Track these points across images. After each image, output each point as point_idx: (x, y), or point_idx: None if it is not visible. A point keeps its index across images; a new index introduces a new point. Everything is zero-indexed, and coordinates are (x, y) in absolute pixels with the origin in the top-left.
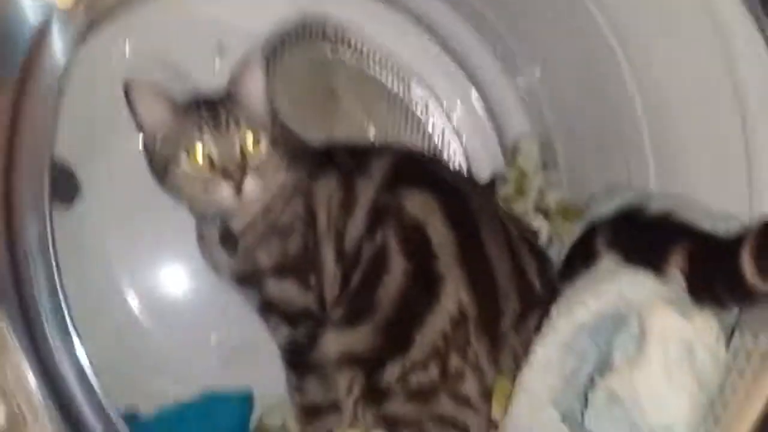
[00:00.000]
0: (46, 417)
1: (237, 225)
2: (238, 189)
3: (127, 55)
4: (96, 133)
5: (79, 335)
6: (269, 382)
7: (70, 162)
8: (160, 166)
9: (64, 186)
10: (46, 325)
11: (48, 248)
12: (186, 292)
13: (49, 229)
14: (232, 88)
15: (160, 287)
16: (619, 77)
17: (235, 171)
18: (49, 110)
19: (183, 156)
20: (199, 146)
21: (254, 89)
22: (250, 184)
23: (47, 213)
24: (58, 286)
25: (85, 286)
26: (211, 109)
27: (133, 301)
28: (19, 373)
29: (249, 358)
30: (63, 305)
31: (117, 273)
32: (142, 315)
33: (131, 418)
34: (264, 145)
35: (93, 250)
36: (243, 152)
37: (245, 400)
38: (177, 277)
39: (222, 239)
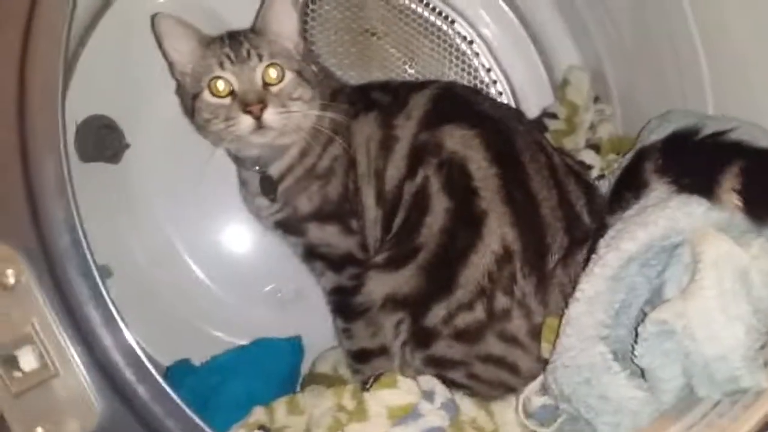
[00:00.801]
0: (76, 363)
1: (275, 170)
2: (258, 120)
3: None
4: (139, 89)
5: (103, 280)
6: (321, 330)
7: (116, 120)
8: (189, 104)
9: (111, 142)
10: (68, 268)
11: (65, 190)
12: (237, 243)
13: (66, 171)
14: (259, 22)
15: (211, 239)
16: (676, 6)
17: (254, 102)
18: (57, 47)
19: (206, 91)
20: (220, 78)
21: (283, 21)
22: (271, 115)
23: (63, 154)
24: (79, 229)
25: (136, 240)
26: (235, 42)
27: (187, 254)
28: (44, 320)
29: (301, 307)
30: (85, 248)
31: (168, 227)
32: (196, 266)
33: (183, 364)
34: (290, 78)
35: (143, 206)
36: (267, 84)
37: (295, 346)
38: (227, 228)
39: (261, 184)
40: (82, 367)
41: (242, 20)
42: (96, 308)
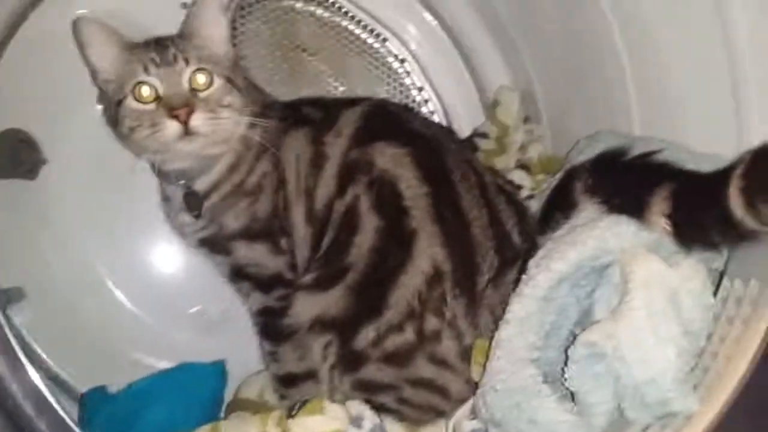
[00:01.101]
0: None
1: (201, 185)
2: (185, 125)
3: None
4: (56, 102)
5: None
6: (247, 353)
7: (33, 134)
8: (112, 111)
9: (27, 157)
10: None
11: None
12: (161, 263)
13: None
14: (187, 27)
15: (133, 259)
16: (602, 21)
17: (180, 106)
18: None
19: (130, 97)
20: (144, 84)
21: (211, 27)
22: (198, 120)
23: None
24: None
25: (54, 260)
26: (160, 46)
27: (107, 274)
28: None
29: (227, 329)
30: None
31: (88, 246)
32: (116, 287)
33: (99, 391)
34: (219, 84)
35: (61, 224)
36: (193, 89)
37: (218, 370)
38: (150, 247)
39: (185, 200)
40: None
41: (161, 29)
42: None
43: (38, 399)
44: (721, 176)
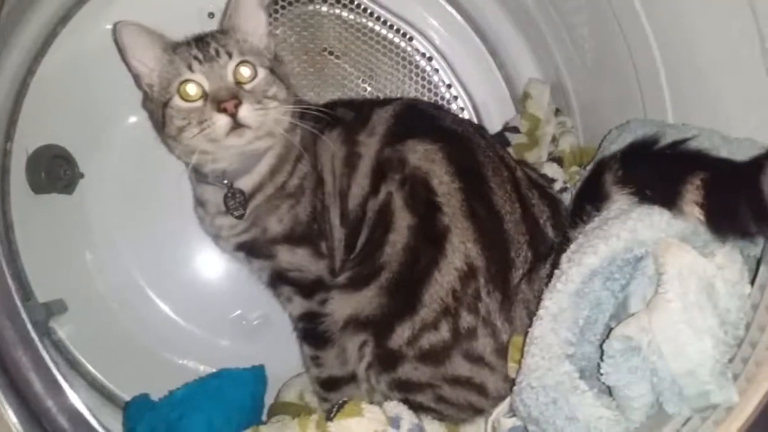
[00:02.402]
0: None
1: (244, 185)
2: (234, 118)
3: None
4: (92, 117)
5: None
6: (287, 357)
7: (68, 149)
8: (159, 114)
9: (64, 173)
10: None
11: None
12: (199, 271)
13: None
14: (226, 23)
15: (172, 268)
16: (629, 8)
17: (227, 99)
18: None
19: (176, 96)
20: (190, 82)
21: (251, 22)
22: (247, 111)
23: None
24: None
25: (94, 271)
26: (201, 43)
27: (147, 284)
28: None
29: (267, 333)
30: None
31: (127, 257)
32: (157, 296)
33: (142, 399)
34: (263, 75)
35: (100, 236)
36: (238, 83)
37: (257, 375)
38: (188, 256)
39: (226, 201)
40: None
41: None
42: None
43: (77, 419)
44: (755, 164)
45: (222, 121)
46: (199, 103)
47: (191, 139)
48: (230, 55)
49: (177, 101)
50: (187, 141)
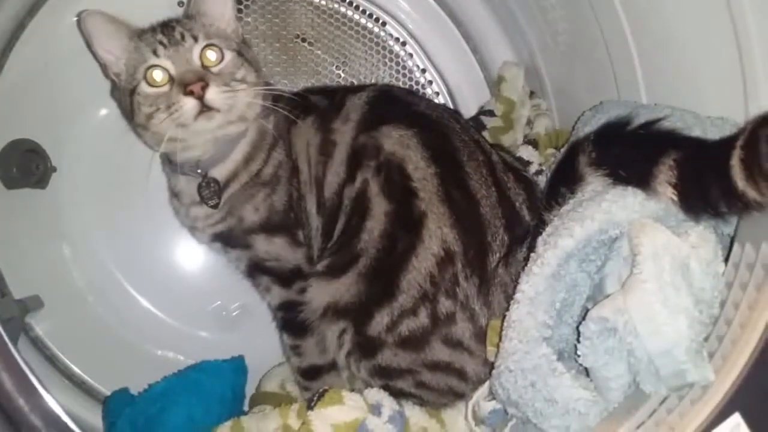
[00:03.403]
0: None
1: (219, 173)
2: (201, 101)
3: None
4: (61, 110)
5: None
6: (268, 346)
7: (40, 143)
8: (127, 102)
9: (36, 167)
10: None
11: None
12: (177, 262)
13: None
14: (192, 8)
15: (149, 260)
16: None
17: (194, 81)
18: None
19: (143, 83)
20: (156, 67)
21: (218, 4)
22: (213, 93)
23: None
24: None
25: (70, 266)
26: (167, 28)
27: (124, 277)
28: None
29: (247, 324)
30: None
31: (103, 251)
32: (135, 290)
33: (121, 394)
34: (230, 57)
35: (75, 230)
36: (205, 66)
37: (237, 366)
38: (165, 248)
39: (200, 191)
40: None
41: None
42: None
43: (49, 418)
44: (725, 146)
45: (189, 104)
46: (166, 88)
47: (160, 125)
48: (195, 39)
49: (144, 87)
50: (155, 127)
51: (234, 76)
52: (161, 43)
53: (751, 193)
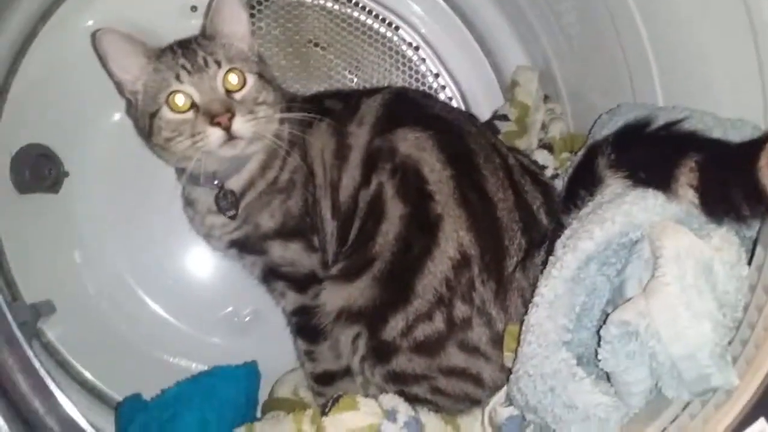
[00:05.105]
0: None
1: (235, 184)
2: (228, 131)
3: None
4: (74, 115)
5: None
6: (281, 352)
7: (52, 148)
8: (146, 124)
9: (49, 172)
10: None
11: None
12: (189, 268)
13: None
14: (209, 26)
15: (161, 265)
16: None
17: (221, 113)
18: None
19: (165, 107)
20: (178, 92)
21: (233, 23)
22: (240, 123)
23: None
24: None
25: (83, 271)
26: (188, 51)
27: (136, 282)
28: None
29: (259, 329)
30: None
31: (115, 256)
32: (147, 295)
33: (133, 399)
34: (252, 81)
35: (88, 235)
36: (228, 91)
37: (250, 372)
38: (178, 253)
39: (218, 201)
40: None
41: (172, 33)
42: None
43: (65, 420)
44: (750, 149)
45: (216, 134)
46: (190, 115)
47: (183, 150)
48: (219, 64)
49: (166, 112)
50: (177, 151)
51: (256, 100)
52: (184, 68)
53: None
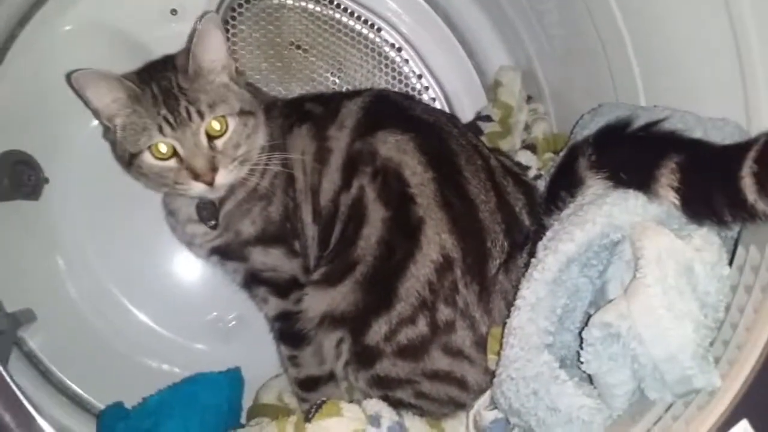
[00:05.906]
0: None
1: (215, 196)
2: (211, 185)
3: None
4: (53, 121)
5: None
6: (266, 357)
7: (31, 154)
8: (124, 156)
9: (28, 178)
10: None
11: None
12: (172, 274)
13: None
14: (192, 62)
15: (144, 272)
16: None
17: (205, 171)
18: None
19: (146, 153)
20: (162, 145)
21: (214, 51)
22: (223, 176)
23: None
24: None
25: (64, 278)
26: (170, 98)
27: (119, 290)
28: None
29: (244, 335)
30: None
31: (97, 263)
32: (130, 302)
33: (115, 408)
34: (233, 125)
35: (67, 241)
36: (210, 137)
37: (233, 379)
38: (160, 259)
39: (199, 212)
40: None
41: (152, 37)
42: None
43: None
44: (733, 154)
45: (199, 188)
46: (172, 163)
47: (164, 190)
48: (202, 116)
49: (148, 158)
50: (156, 187)
51: (238, 143)
52: (167, 120)
53: (762, 206)
